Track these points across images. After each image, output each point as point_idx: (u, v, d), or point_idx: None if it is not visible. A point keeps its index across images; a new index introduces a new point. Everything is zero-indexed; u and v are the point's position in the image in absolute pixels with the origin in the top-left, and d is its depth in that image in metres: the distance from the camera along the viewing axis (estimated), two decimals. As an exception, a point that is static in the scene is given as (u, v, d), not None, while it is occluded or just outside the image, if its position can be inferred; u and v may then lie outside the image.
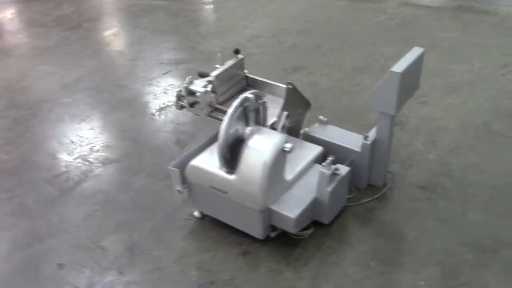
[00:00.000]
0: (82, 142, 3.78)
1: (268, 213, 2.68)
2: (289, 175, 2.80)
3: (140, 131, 3.89)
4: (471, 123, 3.68)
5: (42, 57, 5.21)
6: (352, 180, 3.09)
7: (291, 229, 2.67)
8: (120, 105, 4.22)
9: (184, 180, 2.87)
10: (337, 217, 2.90)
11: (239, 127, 2.70)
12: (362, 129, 3.11)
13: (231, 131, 2.64)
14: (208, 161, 2.76)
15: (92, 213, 3.09)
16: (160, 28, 5.77)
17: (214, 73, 3.07)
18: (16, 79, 4.83)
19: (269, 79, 3.28)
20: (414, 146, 3.48)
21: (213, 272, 2.63)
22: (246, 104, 2.65)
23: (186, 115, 3.78)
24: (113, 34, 5.72)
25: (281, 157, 2.63)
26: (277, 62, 4.78)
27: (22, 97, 4.52)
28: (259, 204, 2.62)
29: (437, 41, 4.97)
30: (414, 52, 2.83)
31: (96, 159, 3.57)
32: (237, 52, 3.21)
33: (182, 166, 2.84)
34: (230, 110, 2.60)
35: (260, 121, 2.82)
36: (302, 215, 2.66)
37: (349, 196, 3.05)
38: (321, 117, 3.26)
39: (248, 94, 2.66)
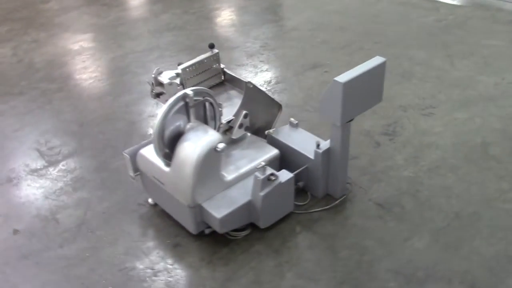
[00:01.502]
0: (88, 122, 4.01)
1: (199, 209, 2.70)
2: (230, 174, 2.80)
3: (139, 113, 4.04)
4: (467, 143, 3.39)
5: (92, 34, 5.56)
6: (308, 187, 3.02)
7: (217, 228, 2.68)
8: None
9: (136, 167, 2.97)
10: (280, 222, 2.85)
11: (181, 122, 2.74)
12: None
13: (171, 126, 2.69)
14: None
15: (64, 187, 3.30)
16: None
17: (181, 66, 3.12)
18: (61, 53, 5.22)
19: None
20: (394, 160, 3.29)
21: (139, 258, 2.72)
22: (186, 100, 2.68)
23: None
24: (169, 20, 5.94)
25: (213, 155, 2.63)
26: (300, 58, 4.70)
27: (58, 71, 4.88)
28: (188, 200, 2.66)
29: (477, 48, 4.58)
30: (372, 62, 2.68)
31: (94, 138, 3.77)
32: (211, 46, 3.23)
33: (135, 153, 2.95)
34: (166, 104, 2.65)
35: (207, 118, 2.84)
36: (230, 216, 2.66)
37: (302, 203, 2.97)
38: (292, 119, 3.19)
39: (188, 90, 2.69)
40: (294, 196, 2.91)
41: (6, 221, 3.07)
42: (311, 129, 3.14)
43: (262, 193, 2.67)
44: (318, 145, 2.85)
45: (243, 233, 2.81)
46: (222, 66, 3.33)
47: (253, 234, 2.80)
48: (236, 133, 3.02)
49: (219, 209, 2.66)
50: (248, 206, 2.73)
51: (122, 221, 2.99)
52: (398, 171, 3.18)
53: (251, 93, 3.00)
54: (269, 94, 3.11)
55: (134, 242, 2.84)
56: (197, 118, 2.79)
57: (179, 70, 3.10)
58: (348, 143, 2.85)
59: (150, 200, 3.10)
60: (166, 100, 3.06)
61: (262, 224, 2.79)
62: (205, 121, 2.83)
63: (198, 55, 3.16)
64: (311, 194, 3.03)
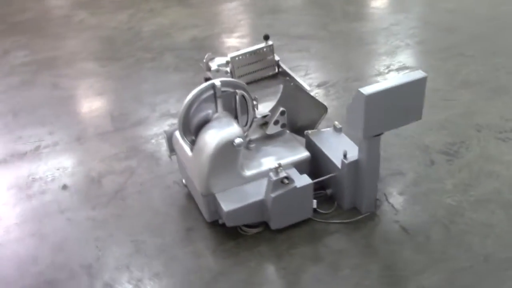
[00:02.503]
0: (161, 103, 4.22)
1: (213, 198, 2.74)
2: (250, 170, 2.79)
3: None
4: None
5: (210, 8, 5.76)
6: (336, 196, 2.91)
7: (225, 221, 2.70)
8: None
9: (172, 147, 3.09)
10: (295, 226, 2.78)
11: (210, 111, 2.77)
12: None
13: (200, 113, 2.74)
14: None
15: (118, 153, 3.54)
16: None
17: (231, 54, 3.13)
18: (168, 25, 5.52)
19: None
20: (442, 183, 3.00)
21: (152, 234, 2.84)
22: (215, 90, 2.70)
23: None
24: None
25: (230, 148, 2.63)
26: (389, 58, 4.44)
27: (156, 42, 5.18)
28: (202, 188, 2.71)
29: None
30: (410, 76, 2.46)
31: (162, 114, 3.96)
32: (266, 38, 3.18)
33: (172, 133, 3.06)
34: (193, 91, 2.69)
35: (237, 111, 2.82)
36: (238, 211, 2.66)
37: (324, 212, 2.87)
38: (336, 122, 3.06)
39: (217, 80, 2.70)
40: (314, 202, 2.81)
41: (62, 175, 3.38)
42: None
43: (273, 195, 2.62)
44: (345, 155, 2.71)
45: (254, 230, 2.79)
46: (277, 58, 3.27)
47: (264, 233, 2.77)
48: (271, 129, 2.97)
49: (229, 202, 2.67)
50: (260, 205, 2.70)
51: (153, 195, 3.13)
52: (442, 197, 2.90)
53: (291, 91, 2.93)
54: (313, 95, 2.99)
55: (155, 217, 2.96)
56: (227, 109, 2.80)
57: (228, 58, 3.11)
58: (377, 158, 2.66)
59: (183, 180, 3.19)
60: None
61: (273, 225, 2.75)
62: (235, 113, 2.82)
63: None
64: (337, 204, 2.90)
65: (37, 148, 3.69)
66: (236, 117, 2.82)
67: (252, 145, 2.95)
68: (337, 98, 3.92)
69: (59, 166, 3.47)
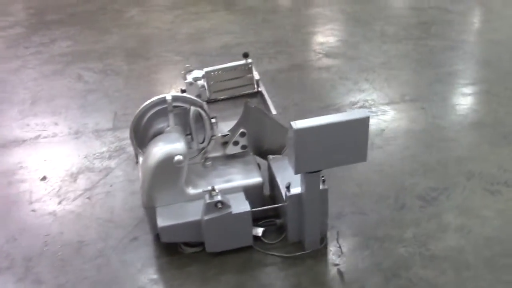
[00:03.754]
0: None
1: (154, 212, 2.73)
2: (196, 189, 2.75)
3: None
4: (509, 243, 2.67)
5: (255, 17, 5.82)
6: (285, 227, 2.80)
7: (160, 236, 2.68)
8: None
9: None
10: (233, 252, 2.70)
11: (164, 125, 2.78)
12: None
13: (153, 124, 2.76)
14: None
15: (104, 152, 3.64)
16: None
17: (207, 69, 3.11)
18: (206, 29, 5.61)
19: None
20: (403, 231, 2.79)
21: (99, 238, 2.88)
22: (164, 105, 2.70)
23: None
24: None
25: (170, 165, 2.60)
26: (427, 67, 4.19)
27: (188, 46, 5.27)
28: (143, 200, 2.72)
29: None
30: (351, 114, 2.31)
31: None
32: (245, 55, 3.13)
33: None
34: (146, 102, 2.71)
35: (191, 127, 2.79)
36: (173, 228, 2.63)
37: (270, 242, 2.76)
38: (301, 151, 2.93)
39: (168, 95, 2.70)
40: (260, 231, 2.74)
41: (46, 167, 3.53)
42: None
43: (205, 218, 2.56)
44: (287, 187, 2.59)
45: (191, 250, 2.75)
46: (256, 77, 3.21)
47: (201, 254, 2.71)
48: (230, 149, 2.92)
49: (166, 218, 2.65)
50: (198, 225, 2.65)
51: (117, 199, 3.18)
52: (396, 245, 2.69)
53: (253, 113, 2.85)
54: (277, 119, 2.88)
55: (109, 221, 3.01)
56: (181, 124, 2.78)
57: (203, 72, 3.10)
58: (316, 195, 2.52)
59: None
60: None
61: (208, 248, 2.69)
62: (189, 130, 2.80)
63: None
64: (286, 236, 2.78)
65: (37, 137, 3.88)
66: (189, 134, 2.79)
67: (208, 163, 2.91)
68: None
69: (47, 157, 3.63)
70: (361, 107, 3.86)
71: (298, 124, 2.24)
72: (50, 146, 3.77)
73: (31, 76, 4.88)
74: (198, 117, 2.77)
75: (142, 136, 2.79)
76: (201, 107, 2.76)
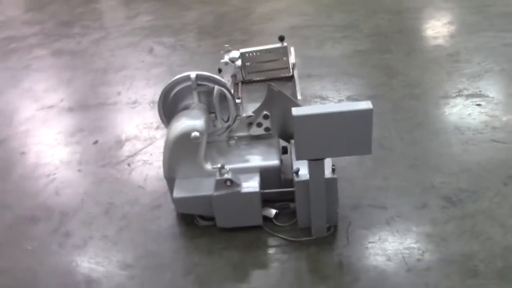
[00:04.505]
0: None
1: (173, 183, 2.89)
2: (213, 165, 2.85)
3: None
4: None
5: None
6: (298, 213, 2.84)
7: (175, 206, 2.84)
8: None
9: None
10: (243, 230, 2.79)
11: (191, 101, 2.92)
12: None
13: (180, 99, 2.91)
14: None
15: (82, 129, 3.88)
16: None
17: (243, 49, 3.18)
18: (279, 10, 5.66)
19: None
20: (415, 230, 2.70)
21: (127, 203, 3.11)
22: (186, 83, 2.83)
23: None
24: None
25: (188, 140, 2.73)
26: (468, 80, 3.97)
27: (257, 26, 5.35)
28: (164, 170, 2.88)
29: None
30: (353, 105, 2.29)
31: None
32: (281, 39, 3.16)
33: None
34: (172, 79, 2.86)
35: (214, 105, 2.89)
36: (187, 200, 2.76)
37: (280, 224, 2.82)
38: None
39: (193, 73, 2.81)
40: (272, 212, 2.82)
41: (100, 131, 3.84)
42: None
43: (215, 193, 2.67)
44: (296, 172, 2.61)
45: (204, 223, 2.87)
46: (292, 61, 3.22)
47: (213, 228, 2.82)
48: (253, 130, 2.98)
49: (182, 190, 2.79)
50: (210, 200, 2.76)
51: (152, 169, 3.39)
52: (403, 244, 2.62)
53: (275, 97, 2.88)
54: (300, 104, 2.89)
55: (141, 189, 3.22)
56: (206, 102, 2.90)
57: (238, 53, 3.18)
58: (321, 183, 2.52)
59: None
60: (222, 77, 3.25)
61: (218, 223, 2.80)
62: (213, 108, 2.90)
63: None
64: (297, 220, 2.82)
65: (99, 104, 4.21)
66: (213, 112, 2.90)
67: (232, 142, 3.00)
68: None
69: (104, 124, 3.94)
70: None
71: (300, 111, 2.26)
72: (108, 114, 4.07)
73: (109, 47, 5.25)
74: (222, 96, 2.86)
75: (171, 109, 2.93)
76: (225, 86, 2.84)
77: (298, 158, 2.39)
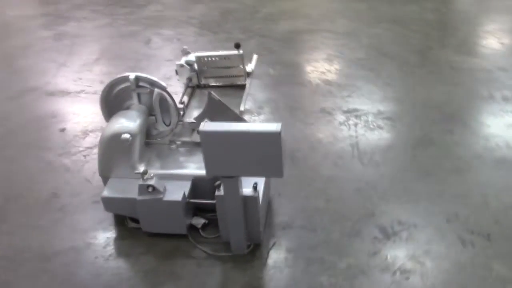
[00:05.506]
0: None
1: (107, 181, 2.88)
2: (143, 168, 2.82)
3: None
4: None
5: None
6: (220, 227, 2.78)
7: (103, 205, 2.83)
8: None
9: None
10: (167, 236, 2.75)
11: (134, 102, 2.89)
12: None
13: (121, 98, 2.89)
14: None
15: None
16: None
17: (198, 54, 3.13)
18: (286, 11, 5.59)
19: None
20: (356, 259, 2.59)
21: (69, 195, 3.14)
22: (126, 84, 2.80)
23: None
24: None
25: (118, 141, 2.70)
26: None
27: (258, 26, 5.27)
28: (98, 168, 2.87)
29: None
30: (258, 126, 2.23)
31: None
32: (237, 46, 3.08)
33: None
34: (113, 78, 2.84)
35: (153, 108, 2.85)
36: (114, 201, 2.76)
37: (204, 236, 2.77)
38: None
39: (132, 74, 2.78)
40: (200, 222, 2.78)
41: (70, 119, 3.89)
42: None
43: (138, 198, 2.65)
44: (218, 186, 2.55)
45: (133, 225, 2.85)
46: (249, 69, 3.15)
47: (139, 232, 2.80)
48: (195, 137, 2.92)
49: (111, 189, 2.78)
50: (135, 203, 2.73)
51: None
52: (321, 273, 2.52)
53: (216, 105, 2.82)
54: (235, 111, 2.81)
55: (87, 183, 3.22)
56: (146, 104, 2.87)
57: (193, 57, 3.13)
58: (237, 201, 2.44)
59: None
60: (178, 79, 3.22)
61: (143, 227, 2.78)
62: (153, 110, 2.86)
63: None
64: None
65: (80, 91, 4.26)
66: (153, 114, 2.86)
67: (173, 146, 2.96)
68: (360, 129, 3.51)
69: (77, 112, 3.98)
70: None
71: (206, 126, 2.19)
72: (85, 102, 4.11)
73: (110, 34, 5.29)
74: (163, 100, 2.82)
75: (113, 108, 2.91)
76: (165, 90, 2.79)
77: (207, 173, 2.33)
